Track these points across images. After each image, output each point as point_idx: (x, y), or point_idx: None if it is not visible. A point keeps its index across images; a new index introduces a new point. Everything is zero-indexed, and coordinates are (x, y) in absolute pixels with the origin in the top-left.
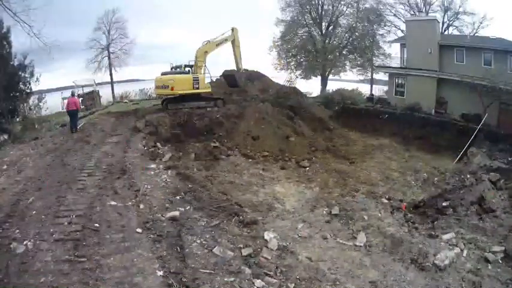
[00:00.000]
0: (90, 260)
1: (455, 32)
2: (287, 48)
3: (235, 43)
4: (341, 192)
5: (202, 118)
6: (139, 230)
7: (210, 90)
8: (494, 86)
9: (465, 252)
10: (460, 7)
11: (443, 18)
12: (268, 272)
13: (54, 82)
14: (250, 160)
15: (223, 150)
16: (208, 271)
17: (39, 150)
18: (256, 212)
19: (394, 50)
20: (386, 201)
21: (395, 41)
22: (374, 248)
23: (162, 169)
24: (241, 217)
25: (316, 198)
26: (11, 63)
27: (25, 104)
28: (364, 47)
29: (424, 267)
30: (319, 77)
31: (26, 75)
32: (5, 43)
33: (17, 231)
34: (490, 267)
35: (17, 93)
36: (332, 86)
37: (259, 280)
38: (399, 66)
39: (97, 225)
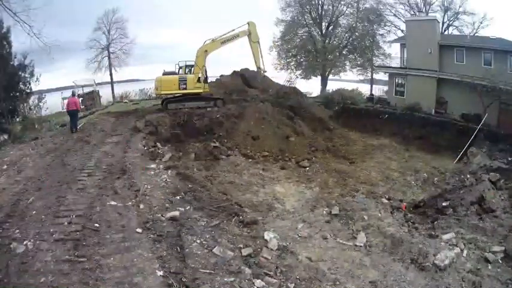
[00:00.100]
0: (90, 260)
1: (455, 32)
2: (287, 48)
3: (251, 38)
4: (341, 192)
5: (202, 118)
6: (139, 230)
7: (202, 90)
8: (494, 86)
9: (465, 252)
10: (460, 7)
11: (443, 18)
12: (268, 272)
13: (54, 82)
14: (250, 160)
15: (223, 150)
16: (208, 271)
17: (39, 150)
18: (256, 212)
19: (394, 50)
20: (386, 201)
21: (395, 41)
22: (374, 248)
23: (162, 169)
24: (241, 217)
25: (316, 198)
26: (11, 63)
27: (25, 104)
28: (364, 47)
29: (424, 267)
30: (319, 77)
31: (26, 75)
32: (5, 43)
33: (17, 231)
34: (490, 267)
35: (17, 93)
36: (332, 86)
37: (259, 280)
38: (399, 66)
39: (97, 225)
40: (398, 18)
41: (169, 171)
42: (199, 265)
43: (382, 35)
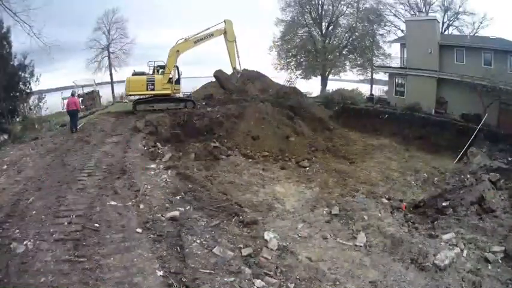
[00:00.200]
0: (90, 260)
1: (455, 32)
2: (287, 48)
3: (227, 37)
4: (341, 192)
5: (202, 118)
6: (139, 230)
7: (170, 91)
8: (494, 86)
9: (465, 252)
10: (460, 7)
11: (443, 18)
12: (268, 272)
13: (54, 82)
14: (250, 160)
15: (223, 150)
16: (208, 271)
17: (39, 150)
18: (256, 212)
19: (394, 50)
20: (386, 201)
21: (395, 41)
22: (374, 248)
23: (162, 169)
24: (241, 217)
25: (316, 198)
26: (11, 63)
27: (25, 104)
28: (364, 47)
29: (424, 267)
30: (319, 77)
31: (26, 75)
32: (5, 43)
33: (17, 231)
34: (490, 267)
35: (17, 93)
36: (332, 86)
37: (259, 280)
38: (399, 66)
39: (97, 225)
40: (398, 18)
41: (169, 171)
42: (199, 265)
43: (382, 35)
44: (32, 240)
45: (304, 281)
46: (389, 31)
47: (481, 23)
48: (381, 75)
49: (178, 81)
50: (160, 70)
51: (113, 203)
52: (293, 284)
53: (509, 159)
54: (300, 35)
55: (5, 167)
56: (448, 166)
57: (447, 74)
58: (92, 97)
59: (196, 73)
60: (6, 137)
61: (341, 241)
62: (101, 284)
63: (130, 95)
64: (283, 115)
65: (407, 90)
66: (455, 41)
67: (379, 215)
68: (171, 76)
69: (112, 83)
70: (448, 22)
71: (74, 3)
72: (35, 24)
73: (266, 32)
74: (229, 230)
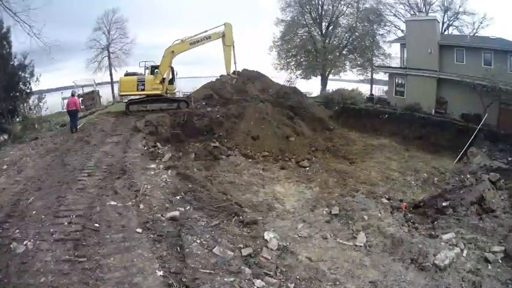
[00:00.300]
0: (90, 260)
1: (455, 32)
2: (287, 48)
3: (225, 41)
4: (341, 192)
5: (202, 118)
6: (139, 230)
7: (160, 91)
8: (494, 86)
9: (465, 252)
10: (460, 7)
11: (443, 18)
12: (268, 272)
13: (54, 82)
14: (250, 160)
15: (223, 150)
16: (208, 271)
17: (39, 150)
18: (256, 212)
19: (394, 50)
20: (386, 201)
21: (395, 41)
22: (374, 248)
23: (162, 169)
24: (241, 217)
25: (316, 198)
26: (11, 63)
27: (25, 104)
28: (364, 47)
29: (424, 267)
30: (319, 77)
31: (26, 75)
32: (5, 43)
33: (17, 231)
34: (490, 267)
35: (17, 93)
36: (332, 86)
37: (259, 280)
38: (399, 66)
39: (97, 225)
40: (398, 18)
41: (169, 171)
42: (199, 265)
43: (382, 35)
44: (32, 240)
45: (304, 281)
46: (389, 31)
47: (481, 23)
48: (381, 75)
49: (171, 82)
50: (156, 70)
51: (113, 203)
52: (293, 284)
53: (509, 159)
54: (300, 35)
55: (5, 167)
56: (448, 166)
57: (447, 74)
58: (91, 97)
59: (196, 73)
60: (6, 137)
61: (341, 241)
62: (101, 284)
63: (122, 95)
64: (283, 115)
65: (407, 90)
66: (455, 41)
67: (379, 215)
68: (164, 76)
69: (112, 83)
70: (448, 22)
71: (74, 3)
72: (35, 24)
73: (266, 32)
74: (229, 230)
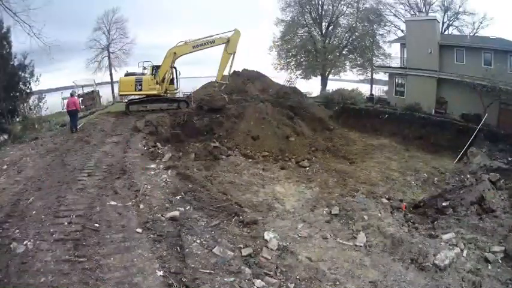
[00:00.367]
0: (90, 260)
1: (455, 32)
2: (287, 48)
3: (227, 48)
4: (341, 192)
5: (202, 118)
6: (139, 230)
7: (157, 91)
8: (494, 86)
9: (465, 252)
10: (460, 7)
11: (443, 18)
12: (268, 272)
13: (54, 82)
14: (250, 160)
15: (223, 150)
16: (208, 271)
17: (39, 150)
18: (256, 212)
19: (394, 50)
20: (386, 201)
21: (395, 41)
22: (374, 248)
23: (162, 169)
24: (241, 217)
25: (316, 198)
26: (11, 63)
27: (25, 104)
28: (364, 47)
29: (424, 267)
30: (319, 77)
31: (26, 75)
32: (5, 43)
33: (17, 231)
34: (490, 267)
35: (17, 93)
36: (332, 86)
37: (259, 280)
38: (399, 66)
39: (97, 225)
40: (398, 18)
41: (169, 171)
42: (199, 265)
43: (382, 35)
44: (32, 240)
45: (304, 281)
46: (389, 31)
47: (481, 23)
48: (381, 75)
49: (172, 82)
50: (158, 70)
51: (113, 203)
52: (293, 284)
53: (509, 159)
54: (300, 35)
55: (5, 167)
56: (448, 166)
57: (447, 74)
58: (91, 97)
59: (196, 73)
60: (6, 137)
61: (341, 241)
62: (101, 284)
63: (121, 95)
64: (283, 115)
65: (407, 90)
66: (455, 41)
67: (379, 215)
68: (165, 77)
69: (112, 83)
70: (448, 22)
71: (74, 3)
72: (35, 24)
73: (266, 32)
74: (229, 230)
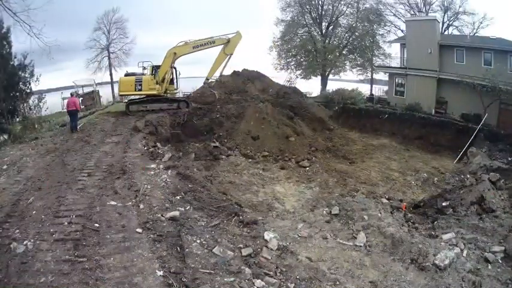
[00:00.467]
0: (90, 260)
1: (455, 32)
2: (287, 48)
3: (225, 48)
4: (341, 192)
5: (202, 118)
6: (139, 230)
7: (157, 91)
8: (494, 86)
9: (465, 252)
10: (460, 7)
11: (443, 18)
12: (268, 272)
13: (54, 82)
14: (250, 160)
15: (223, 150)
16: (208, 271)
17: (39, 150)
18: (256, 212)
19: (394, 50)
20: (386, 201)
21: (395, 41)
22: (374, 248)
23: (162, 169)
24: (241, 217)
25: (316, 198)
26: (11, 63)
27: (25, 104)
28: (364, 47)
29: (424, 267)
30: (319, 77)
31: (26, 75)
32: (5, 43)
33: (17, 231)
34: (490, 267)
35: (17, 93)
36: (332, 86)
37: (259, 280)
38: (399, 66)
39: (97, 225)
40: (398, 18)
41: (169, 171)
42: (199, 265)
43: (382, 35)
44: (32, 240)
45: (304, 281)
46: (389, 31)
47: (481, 23)
48: (381, 75)
49: (172, 82)
50: (158, 70)
51: (113, 203)
52: (293, 284)
53: (509, 159)
54: (300, 35)
55: (5, 167)
56: (448, 166)
57: (447, 74)
58: (91, 97)
59: (195, 73)
60: (6, 137)
61: (341, 241)
62: (101, 284)
63: (121, 95)
64: (283, 115)
65: (407, 90)
66: (455, 41)
67: (379, 215)
68: (165, 77)
69: (112, 83)
70: (448, 22)
71: (74, 3)
72: (35, 24)
73: (266, 32)
74: (229, 230)
